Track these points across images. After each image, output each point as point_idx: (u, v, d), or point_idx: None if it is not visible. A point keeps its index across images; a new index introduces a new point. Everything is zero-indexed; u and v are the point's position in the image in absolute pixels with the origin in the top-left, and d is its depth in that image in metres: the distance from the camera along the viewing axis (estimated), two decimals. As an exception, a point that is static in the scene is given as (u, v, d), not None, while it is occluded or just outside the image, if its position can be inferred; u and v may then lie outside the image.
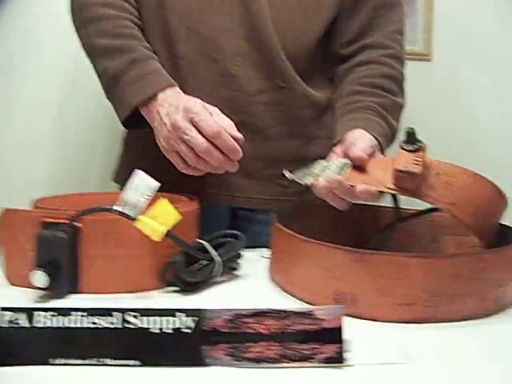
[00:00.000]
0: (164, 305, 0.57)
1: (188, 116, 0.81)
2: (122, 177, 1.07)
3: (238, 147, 0.82)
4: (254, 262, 0.85)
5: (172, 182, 0.83)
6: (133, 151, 1.09)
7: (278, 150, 1.00)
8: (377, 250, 0.66)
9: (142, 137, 0.98)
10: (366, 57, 1.01)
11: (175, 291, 0.73)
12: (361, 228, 0.89)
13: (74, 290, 0.70)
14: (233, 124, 0.83)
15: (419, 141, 0.72)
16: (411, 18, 1.47)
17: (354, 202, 0.78)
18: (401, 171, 0.70)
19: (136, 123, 0.92)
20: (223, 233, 0.80)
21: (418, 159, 0.70)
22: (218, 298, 0.72)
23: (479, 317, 0.65)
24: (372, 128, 0.89)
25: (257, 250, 0.88)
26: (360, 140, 0.83)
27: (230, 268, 0.80)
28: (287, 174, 0.82)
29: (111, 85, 0.91)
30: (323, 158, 0.85)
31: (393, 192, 0.74)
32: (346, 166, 0.79)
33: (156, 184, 0.71)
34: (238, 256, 0.80)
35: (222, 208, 1.04)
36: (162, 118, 0.85)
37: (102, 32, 0.92)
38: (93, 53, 0.94)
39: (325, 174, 0.79)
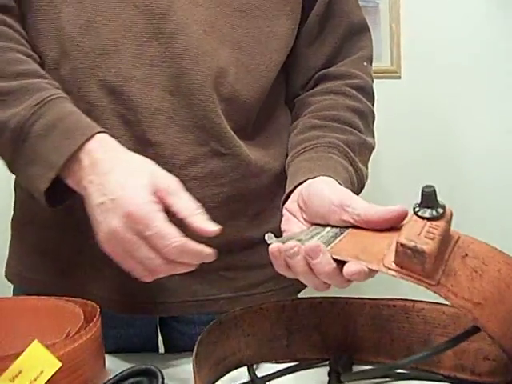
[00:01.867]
0: None
1: (133, 226, 0.59)
2: (12, 271, 0.83)
3: (209, 251, 0.61)
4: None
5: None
6: (24, 237, 0.81)
7: (219, 235, 0.67)
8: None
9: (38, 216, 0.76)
10: (328, 86, 0.80)
11: None
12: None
13: None
14: (199, 209, 0.61)
15: (440, 205, 0.54)
16: (374, 30, 1.28)
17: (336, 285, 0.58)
18: (404, 246, 0.52)
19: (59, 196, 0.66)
20: (132, 371, 0.62)
21: (434, 231, 0.52)
22: None
23: None
24: (335, 171, 0.68)
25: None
26: (348, 196, 0.62)
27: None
28: (267, 237, 0.61)
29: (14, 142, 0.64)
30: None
31: (393, 274, 0.53)
32: (340, 233, 0.60)
33: None
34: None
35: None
36: (93, 208, 0.61)
37: None
38: None
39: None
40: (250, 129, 0.77)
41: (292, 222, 0.66)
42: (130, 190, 0.59)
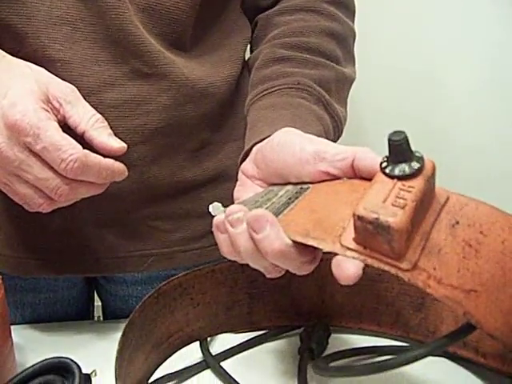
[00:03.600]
0: None
1: (20, 140, 0.47)
2: None
3: (119, 166, 0.50)
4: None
5: None
6: None
7: (146, 178, 0.59)
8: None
9: None
10: (297, 2, 0.64)
11: None
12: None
13: None
14: (102, 121, 0.50)
15: (415, 158, 0.38)
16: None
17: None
18: (362, 219, 0.37)
19: None
20: (41, 366, 0.48)
21: (406, 196, 0.37)
22: None
23: None
24: (305, 123, 0.53)
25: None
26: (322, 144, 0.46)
27: None
28: (212, 207, 0.47)
29: None
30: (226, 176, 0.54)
31: (353, 256, 0.38)
32: (301, 192, 0.46)
33: None
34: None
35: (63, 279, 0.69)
36: None
37: None
38: None
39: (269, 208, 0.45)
40: (186, 41, 0.59)
41: (248, 186, 0.50)
42: (14, 97, 0.47)
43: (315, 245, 0.39)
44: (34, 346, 0.59)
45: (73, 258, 0.61)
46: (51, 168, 0.47)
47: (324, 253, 0.58)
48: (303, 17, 0.62)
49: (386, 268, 0.37)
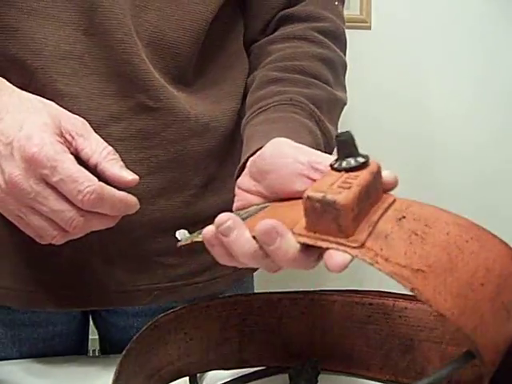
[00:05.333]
0: None
1: (37, 172, 0.47)
2: None
3: (132, 199, 0.52)
4: None
5: None
6: None
7: (152, 211, 0.61)
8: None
9: None
10: (290, 30, 0.66)
11: None
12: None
13: None
14: (113, 154, 0.51)
15: (361, 154, 0.42)
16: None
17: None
18: (310, 199, 0.39)
19: None
20: None
21: (351, 181, 0.40)
22: None
23: None
24: (297, 135, 0.55)
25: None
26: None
27: None
28: (179, 233, 0.51)
29: None
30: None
31: (305, 241, 0.40)
32: (261, 209, 0.49)
33: None
34: None
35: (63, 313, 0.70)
36: None
37: None
38: None
39: None
40: (189, 77, 0.62)
41: (247, 200, 0.52)
42: (30, 131, 0.48)
43: None
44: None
45: (81, 291, 0.63)
46: (66, 200, 0.48)
47: (315, 293, 0.60)
48: (295, 44, 0.65)
49: (335, 246, 0.39)
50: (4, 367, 0.61)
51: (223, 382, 0.59)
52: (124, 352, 0.51)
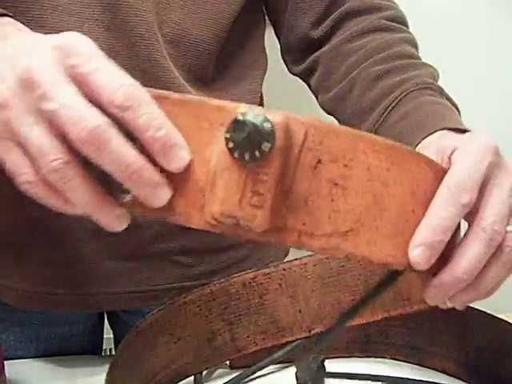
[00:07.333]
0: None
1: (66, 62, 0.36)
2: None
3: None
4: None
5: None
6: None
7: None
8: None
9: None
10: (361, 25, 0.65)
11: None
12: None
13: None
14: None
15: (264, 134, 0.33)
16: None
17: None
18: (221, 224, 0.35)
19: None
20: None
21: (261, 190, 0.34)
22: None
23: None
24: (449, 119, 0.52)
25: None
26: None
27: None
28: None
29: None
30: None
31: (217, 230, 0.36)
32: None
33: None
34: None
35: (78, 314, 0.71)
36: None
37: None
38: None
39: None
40: (209, 75, 0.64)
41: None
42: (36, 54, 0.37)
43: (182, 222, 0.36)
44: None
45: (98, 292, 0.64)
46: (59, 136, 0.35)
47: (285, 263, 0.60)
48: (376, 36, 0.64)
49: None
50: (20, 365, 0.62)
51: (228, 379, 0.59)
52: (110, 363, 0.52)
